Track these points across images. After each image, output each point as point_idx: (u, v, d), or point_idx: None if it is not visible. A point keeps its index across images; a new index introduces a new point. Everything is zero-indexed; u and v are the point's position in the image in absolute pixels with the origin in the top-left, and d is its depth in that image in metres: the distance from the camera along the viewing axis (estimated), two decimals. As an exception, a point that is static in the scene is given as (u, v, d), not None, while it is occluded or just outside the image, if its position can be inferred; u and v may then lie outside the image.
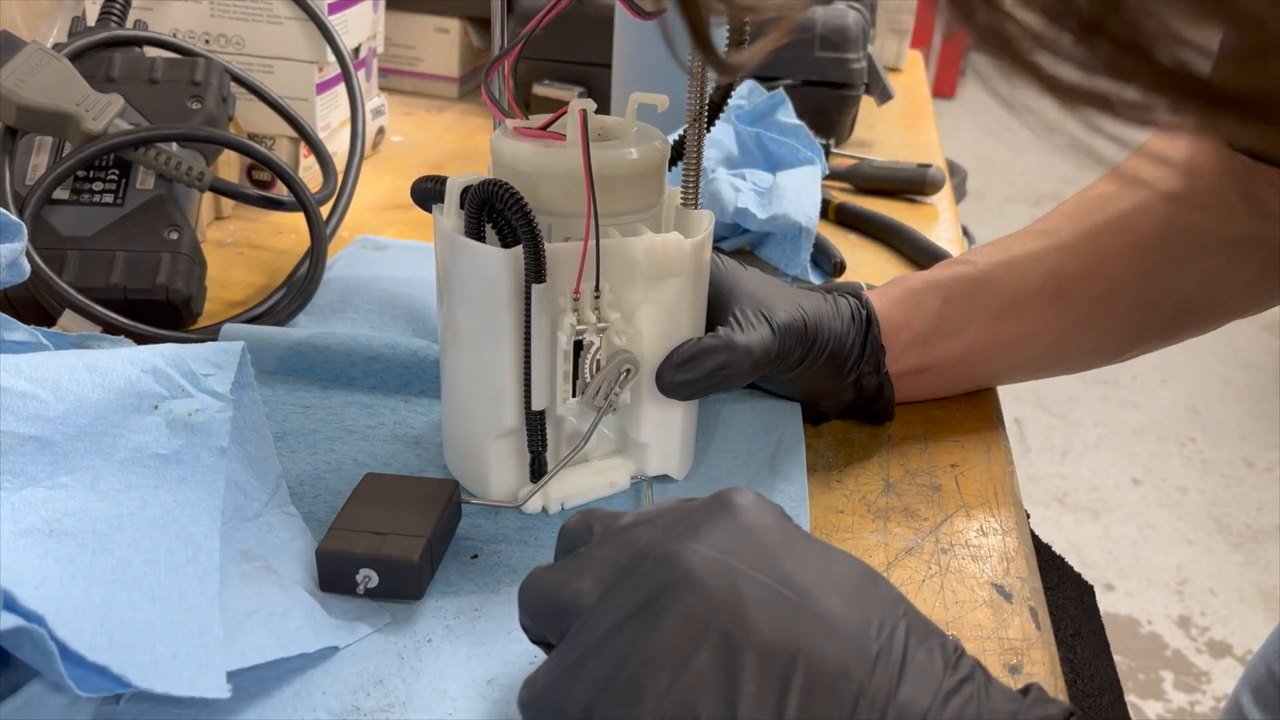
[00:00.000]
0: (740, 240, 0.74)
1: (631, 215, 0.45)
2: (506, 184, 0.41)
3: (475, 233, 0.43)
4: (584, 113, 0.42)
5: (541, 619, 0.35)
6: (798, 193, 0.72)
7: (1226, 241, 0.56)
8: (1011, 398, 2.47)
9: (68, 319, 0.56)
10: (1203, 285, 0.56)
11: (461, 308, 0.44)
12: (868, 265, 0.78)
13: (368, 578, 0.40)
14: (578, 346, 0.44)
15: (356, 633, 0.40)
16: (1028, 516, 0.54)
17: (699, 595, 0.31)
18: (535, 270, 0.42)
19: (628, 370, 0.45)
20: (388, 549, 0.40)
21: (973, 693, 0.30)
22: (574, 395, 0.45)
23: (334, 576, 0.41)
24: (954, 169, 2.27)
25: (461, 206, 0.43)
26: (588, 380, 0.45)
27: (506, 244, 0.42)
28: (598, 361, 0.44)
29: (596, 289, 0.43)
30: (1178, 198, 0.56)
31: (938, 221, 0.88)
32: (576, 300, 0.43)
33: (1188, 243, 0.56)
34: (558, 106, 0.46)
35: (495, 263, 0.42)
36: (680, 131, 0.48)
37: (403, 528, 0.42)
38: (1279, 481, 2.24)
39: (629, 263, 0.44)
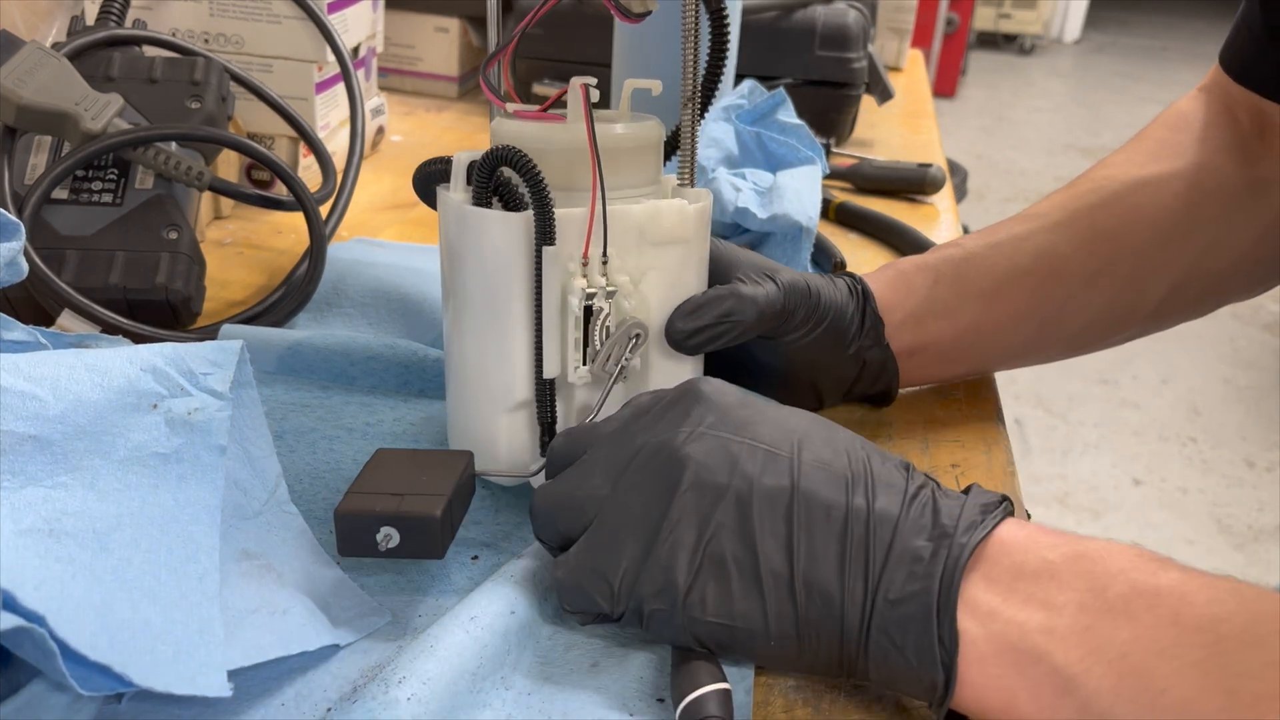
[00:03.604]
0: (741, 240, 0.74)
1: (631, 190, 0.46)
2: (516, 148, 0.41)
3: (484, 202, 0.43)
4: (585, 87, 0.43)
5: (560, 519, 0.40)
6: (798, 192, 0.72)
7: (1219, 217, 0.57)
8: (1012, 397, 2.47)
9: (66, 319, 0.55)
10: (1196, 262, 0.57)
11: (471, 280, 0.45)
12: (868, 265, 0.78)
13: (388, 536, 0.40)
14: (587, 313, 0.44)
15: (358, 631, 0.40)
16: (1029, 517, 0.54)
17: (704, 466, 0.37)
18: (545, 231, 0.42)
19: (637, 335, 0.46)
20: (408, 507, 0.40)
21: (928, 496, 0.37)
22: (585, 363, 0.45)
23: (353, 537, 0.40)
24: (954, 169, 2.27)
25: (469, 182, 0.44)
26: (598, 348, 0.45)
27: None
28: (607, 328, 0.45)
29: (604, 253, 0.44)
30: (1174, 174, 0.56)
31: (938, 221, 0.88)
32: (585, 265, 0.44)
33: (1180, 219, 0.56)
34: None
35: (505, 227, 0.43)
36: (676, 126, 0.48)
37: (421, 489, 0.41)
38: None
39: (634, 229, 0.45)
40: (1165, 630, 0.31)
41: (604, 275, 0.44)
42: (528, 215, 0.42)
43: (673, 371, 0.48)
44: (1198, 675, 0.30)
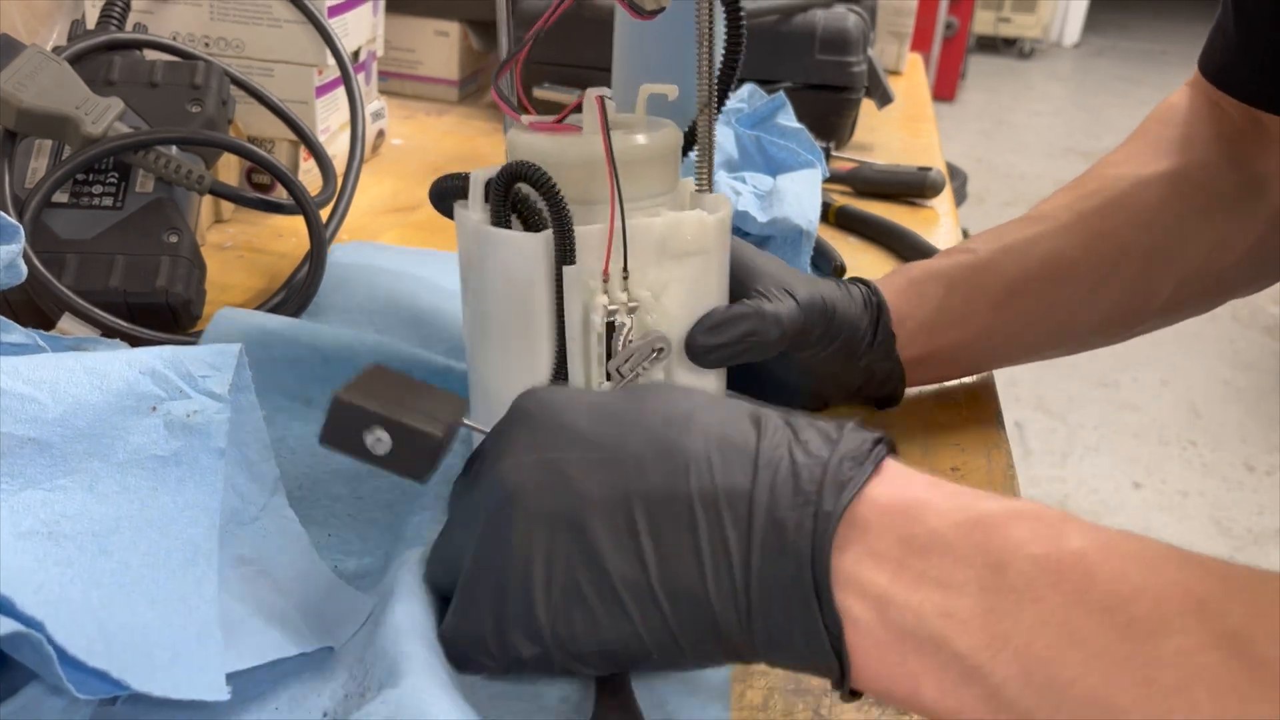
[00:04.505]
0: (740, 243, 0.74)
1: (649, 200, 0.46)
2: (534, 164, 0.41)
3: (502, 221, 0.43)
4: (601, 99, 0.42)
5: (442, 579, 0.38)
6: (798, 196, 0.72)
7: (1222, 215, 0.57)
8: (1012, 399, 2.47)
9: (66, 322, 0.55)
10: (1201, 261, 0.57)
11: (492, 299, 0.44)
12: (868, 268, 0.78)
13: (380, 440, 0.37)
14: (610, 328, 0.44)
15: (353, 632, 0.40)
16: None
17: (530, 495, 0.34)
18: (565, 251, 0.42)
19: (659, 349, 0.45)
20: (411, 419, 0.37)
21: (784, 455, 0.33)
22: (608, 379, 0.45)
23: (343, 429, 0.37)
24: (954, 172, 2.27)
25: (486, 199, 0.43)
26: (621, 363, 0.45)
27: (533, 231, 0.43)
28: (630, 343, 0.45)
29: (625, 269, 0.44)
30: (1174, 173, 0.56)
31: (938, 225, 0.88)
32: (606, 281, 0.44)
33: (1185, 218, 0.57)
34: (559, 109, 0.46)
35: (525, 248, 0.42)
36: (691, 124, 0.48)
37: (424, 409, 0.38)
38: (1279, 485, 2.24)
39: (654, 243, 0.44)
40: (1071, 612, 0.29)
41: (625, 290, 0.44)
42: (547, 235, 0.42)
43: (696, 383, 0.48)
44: (1108, 664, 0.28)
